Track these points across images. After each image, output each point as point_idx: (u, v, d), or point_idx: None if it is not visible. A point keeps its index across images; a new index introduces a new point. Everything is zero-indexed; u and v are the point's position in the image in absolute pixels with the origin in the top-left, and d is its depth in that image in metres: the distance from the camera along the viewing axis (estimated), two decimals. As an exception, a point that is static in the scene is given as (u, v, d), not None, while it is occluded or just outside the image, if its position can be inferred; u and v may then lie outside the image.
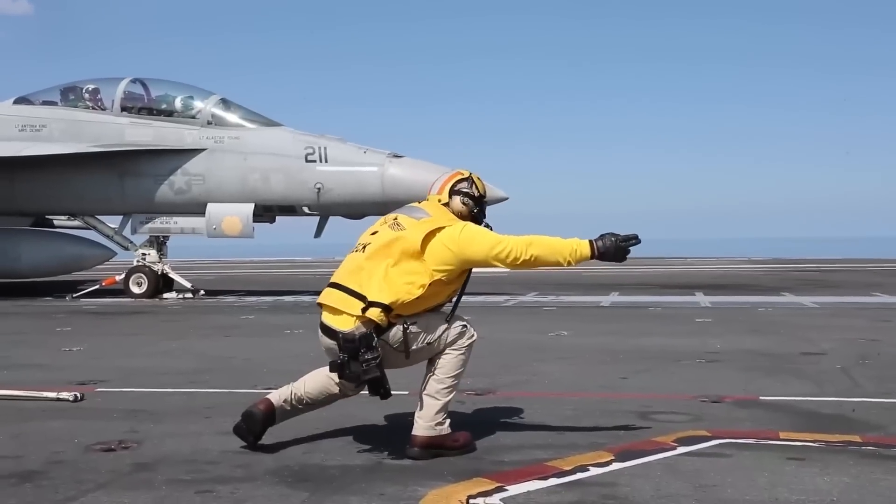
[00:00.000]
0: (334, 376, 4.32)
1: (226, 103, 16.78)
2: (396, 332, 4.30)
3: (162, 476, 4.09)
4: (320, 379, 4.49)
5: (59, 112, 16.96)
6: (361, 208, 15.82)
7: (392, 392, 4.32)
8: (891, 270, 23.72)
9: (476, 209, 4.64)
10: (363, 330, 4.16)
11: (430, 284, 4.30)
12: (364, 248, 4.42)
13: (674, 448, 4.50)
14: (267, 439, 4.56)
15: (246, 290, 18.09)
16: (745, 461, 4.25)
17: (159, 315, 13.21)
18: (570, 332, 9.93)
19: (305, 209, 16.25)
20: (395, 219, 4.47)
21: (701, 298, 15.18)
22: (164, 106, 16.85)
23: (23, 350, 8.91)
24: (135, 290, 16.39)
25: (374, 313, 4.21)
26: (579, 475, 4.03)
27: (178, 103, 16.80)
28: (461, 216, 4.58)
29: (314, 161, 15.80)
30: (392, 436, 4.65)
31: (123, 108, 16.71)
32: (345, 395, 4.49)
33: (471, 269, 4.54)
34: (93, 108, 16.97)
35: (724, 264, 29.34)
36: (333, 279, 4.46)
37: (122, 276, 16.67)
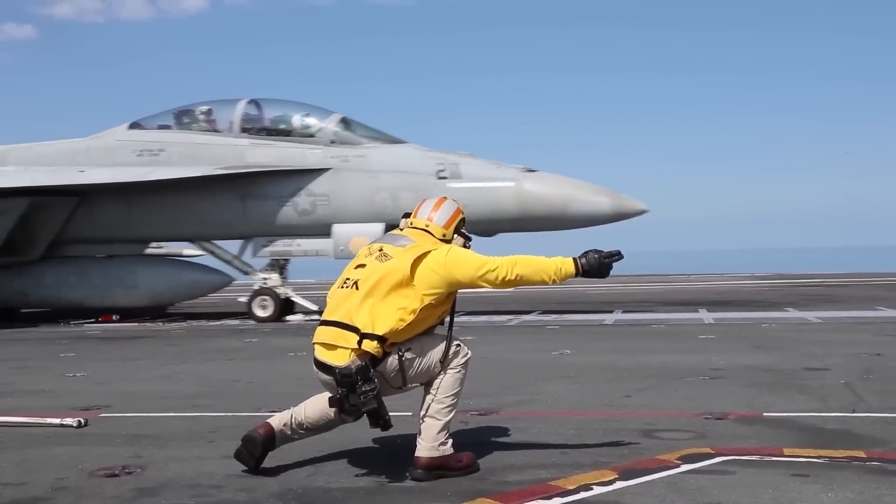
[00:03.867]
0: (334, 411, 4.33)
1: (347, 121, 16.36)
2: (392, 361, 4.31)
3: (166, 501, 4.09)
4: (320, 404, 4.49)
5: (176, 136, 16.65)
6: (496, 225, 15.42)
7: (392, 423, 4.31)
8: (894, 284, 23.68)
9: (468, 248, 4.74)
10: (359, 363, 4.16)
11: (420, 309, 4.32)
12: (355, 283, 4.41)
13: (677, 466, 4.49)
14: (270, 462, 4.57)
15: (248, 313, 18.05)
16: (749, 478, 4.25)
17: (162, 339, 13.21)
18: (573, 351, 9.92)
19: None
20: (381, 249, 4.49)
21: (704, 315, 15.16)
22: (284, 126, 16.49)
23: (27, 376, 8.92)
24: (259, 313, 15.92)
25: (371, 345, 4.23)
26: (583, 494, 4.03)
27: (298, 123, 16.44)
28: None
29: (446, 178, 15.34)
30: (395, 458, 4.65)
31: (243, 130, 16.38)
32: (344, 421, 4.49)
33: (457, 290, 4.58)
34: (211, 131, 16.63)
35: (727, 280, 29.31)
36: (325, 316, 4.46)
37: (246, 298, 16.33)
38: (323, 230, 15.86)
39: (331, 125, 16.24)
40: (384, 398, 4.25)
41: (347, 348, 4.25)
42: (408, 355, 4.34)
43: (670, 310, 16.52)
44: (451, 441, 4.42)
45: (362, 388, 4.10)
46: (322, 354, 4.37)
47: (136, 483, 4.41)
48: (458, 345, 4.50)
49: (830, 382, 7.23)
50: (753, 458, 4.66)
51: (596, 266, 4.49)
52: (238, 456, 4.54)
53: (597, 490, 4.09)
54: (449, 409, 4.41)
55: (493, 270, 4.43)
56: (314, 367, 4.44)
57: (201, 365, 9.62)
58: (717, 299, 19.33)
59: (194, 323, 16.15)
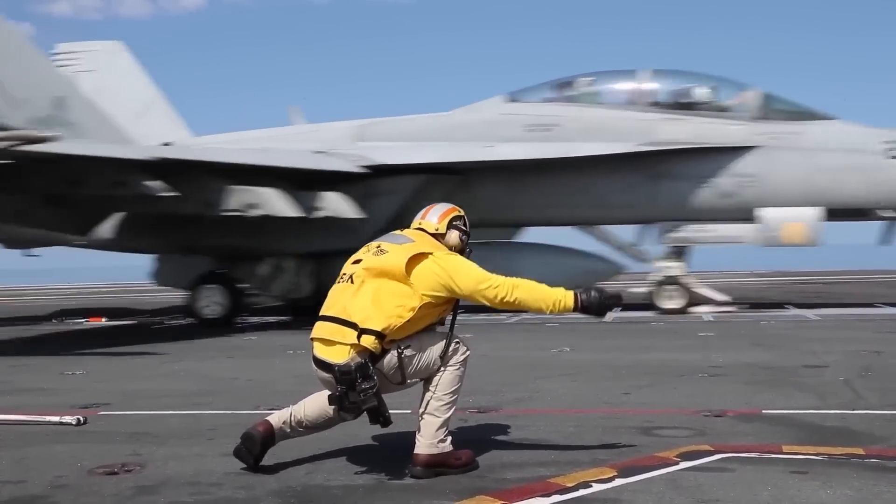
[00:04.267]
0: (334, 408, 4.33)
1: (769, 95, 14.89)
2: (391, 358, 4.31)
3: (165, 499, 4.09)
4: (320, 403, 4.50)
5: (569, 109, 15.10)
6: None
7: (392, 420, 4.31)
8: (893, 281, 23.69)
9: (467, 244, 4.74)
10: (358, 360, 4.17)
11: (419, 307, 4.33)
12: (350, 277, 4.43)
13: (676, 463, 4.50)
14: (269, 460, 4.57)
15: (249, 311, 18.04)
16: (748, 475, 4.25)
17: (162, 337, 13.21)
18: (572, 348, 9.93)
19: (886, 212, 14.30)
20: (379, 246, 4.51)
21: (703, 312, 15.15)
22: (695, 99, 14.92)
23: (26, 374, 8.91)
24: (666, 304, 14.74)
25: (369, 341, 4.23)
26: (582, 492, 4.03)
27: (712, 96, 14.92)
28: (454, 248, 4.64)
29: None
30: (394, 455, 4.65)
31: (651, 103, 14.90)
32: (343, 419, 4.49)
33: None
34: (605, 104, 15.17)
35: (726, 278, 29.29)
36: (323, 312, 4.47)
37: (646, 288, 15.14)
38: (743, 214, 14.25)
39: (752, 99, 14.73)
40: (383, 395, 4.26)
41: (346, 344, 4.26)
42: (407, 352, 4.34)
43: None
44: (450, 438, 4.42)
45: (362, 385, 4.10)
46: (321, 352, 4.37)
47: (135, 481, 4.41)
48: (458, 342, 4.51)
49: (829, 380, 7.23)
50: (752, 455, 4.66)
51: (595, 304, 4.50)
52: (237, 454, 4.54)
53: (596, 487, 4.09)
54: (448, 406, 4.41)
55: (494, 287, 4.43)
56: (313, 365, 4.44)
57: (201, 363, 9.61)
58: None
59: (193, 320, 16.14)
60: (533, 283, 4.52)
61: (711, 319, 13.85)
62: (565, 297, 4.48)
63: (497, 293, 4.43)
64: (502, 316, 15.30)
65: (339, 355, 4.24)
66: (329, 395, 4.31)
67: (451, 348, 4.45)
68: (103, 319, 16.68)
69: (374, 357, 4.25)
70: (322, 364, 4.35)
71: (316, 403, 4.53)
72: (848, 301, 16.91)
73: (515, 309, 4.52)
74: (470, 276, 4.45)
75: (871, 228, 15.21)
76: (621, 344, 10.40)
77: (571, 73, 16.05)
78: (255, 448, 4.49)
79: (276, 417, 4.58)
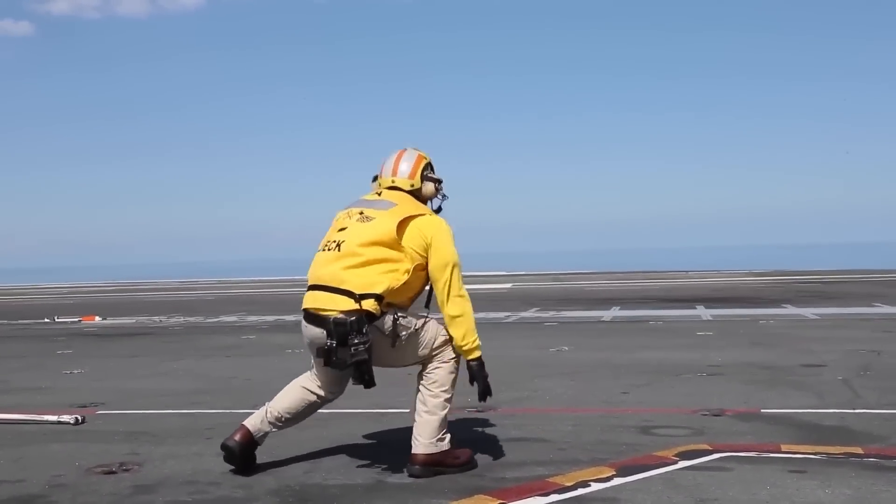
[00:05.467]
0: (319, 363, 4.26)
1: None
2: (387, 319, 4.24)
3: (163, 498, 4.08)
4: (295, 392, 4.46)
5: None
6: None
7: (375, 382, 4.21)
8: (892, 281, 23.70)
9: (441, 190, 4.66)
10: (354, 316, 4.10)
11: (413, 269, 4.26)
12: (338, 245, 4.33)
13: (675, 462, 4.50)
14: (267, 458, 4.57)
15: (246, 310, 18.06)
16: (746, 474, 4.25)
17: (160, 336, 13.21)
18: (570, 348, 9.93)
19: None
20: (361, 212, 4.40)
21: (702, 311, 15.18)
22: None
23: (24, 373, 8.91)
24: None
25: (369, 304, 4.16)
26: (580, 491, 4.03)
27: None
28: (429, 198, 4.59)
29: None
30: (393, 454, 4.65)
31: None
32: (326, 401, 4.44)
33: None
34: None
35: (724, 277, 29.32)
36: (313, 281, 4.35)
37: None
38: None
39: None
40: (377, 368, 4.21)
41: (339, 312, 4.16)
42: (402, 321, 4.27)
43: (668, 306, 16.54)
44: (448, 437, 4.40)
45: (354, 339, 4.05)
46: (314, 309, 4.27)
47: (132, 480, 4.41)
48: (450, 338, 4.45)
49: (828, 379, 7.23)
50: (751, 454, 4.66)
51: (480, 375, 4.41)
52: (226, 459, 4.50)
53: (594, 486, 4.09)
54: (444, 402, 4.37)
55: (457, 274, 4.33)
56: (303, 323, 4.33)
57: (199, 362, 9.61)
58: (714, 296, 19.36)
59: (191, 319, 16.14)
60: (471, 314, 4.40)
61: (710, 318, 13.84)
62: (476, 347, 4.38)
63: (453, 285, 4.32)
64: (501, 315, 15.34)
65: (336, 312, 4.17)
66: (317, 348, 4.22)
67: (443, 339, 4.38)
68: (97, 318, 16.72)
69: (371, 317, 4.18)
70: (314, 319, 4.25)
71: (290, 394, 4.48)
72: (846, 300, 16.92)
73: (447, 312, 4.33)
74: (448, 252, 4.35)
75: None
76: (620, 343, 10.40)
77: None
78: (235, 461, 4.43)
79: (252, 420, 4.49)
